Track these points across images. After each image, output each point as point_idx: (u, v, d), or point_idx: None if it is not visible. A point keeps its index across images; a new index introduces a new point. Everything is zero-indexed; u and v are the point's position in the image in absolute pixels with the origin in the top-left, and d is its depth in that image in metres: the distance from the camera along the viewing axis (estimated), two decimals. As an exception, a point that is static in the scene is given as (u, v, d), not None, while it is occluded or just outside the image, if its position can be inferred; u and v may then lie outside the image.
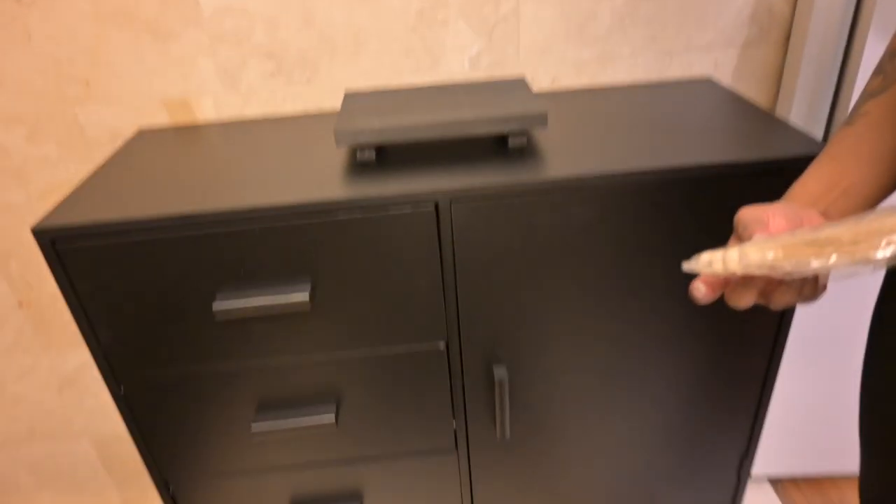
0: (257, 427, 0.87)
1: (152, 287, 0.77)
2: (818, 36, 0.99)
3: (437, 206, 0.76)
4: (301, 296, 0.77)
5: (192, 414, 0.88)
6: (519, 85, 0.90)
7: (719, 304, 0.86)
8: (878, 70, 0.54)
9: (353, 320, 0.82)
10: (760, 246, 0.44)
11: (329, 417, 0.88)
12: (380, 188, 0.75)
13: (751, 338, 0.90)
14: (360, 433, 0.92)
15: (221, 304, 0.77)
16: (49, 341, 1.23)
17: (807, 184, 0.54)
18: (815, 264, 0.41)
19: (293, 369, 0.86)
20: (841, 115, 1.03)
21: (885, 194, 0.53)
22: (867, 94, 0.54)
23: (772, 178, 0.77)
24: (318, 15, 0.98)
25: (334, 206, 0.74)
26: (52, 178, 1.08)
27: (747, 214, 0.48)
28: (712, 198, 0.78)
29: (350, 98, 0.89)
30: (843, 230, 0.41)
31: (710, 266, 0.46)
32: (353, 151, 0.87)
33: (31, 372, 1.27)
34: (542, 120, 0.80)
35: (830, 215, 0.52)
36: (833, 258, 0.40)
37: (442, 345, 0.86)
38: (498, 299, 0.83)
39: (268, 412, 0.89)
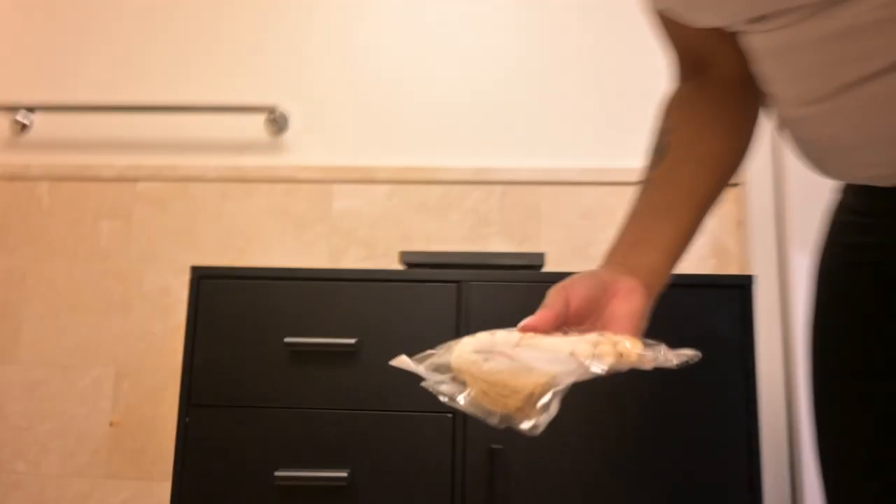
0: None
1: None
2: (761, 268, 1.34)
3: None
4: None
5: (237, 452, 1.07)
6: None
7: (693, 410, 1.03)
8: (654, 149, 0.63)
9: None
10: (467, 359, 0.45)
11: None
12: (421, 273, 1.10)
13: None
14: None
15: (292, 339, 1.06)
16: (123, 465, 1.44)
17: (618, 241, 0.59)
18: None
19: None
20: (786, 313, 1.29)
21: (682, 243, 0.61)
22: (648, 169, 0.62)
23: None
24: (404, 221, 1.47)
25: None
26: (182, 316, 1.47)
27: (553, 290, 0.51)
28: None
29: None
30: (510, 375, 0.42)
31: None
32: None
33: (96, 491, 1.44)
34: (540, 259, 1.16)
35: (639, 269, 0.57)
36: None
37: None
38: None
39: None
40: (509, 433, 1.02)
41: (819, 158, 0.60)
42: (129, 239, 1.52)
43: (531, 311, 1.11)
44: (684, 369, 1.01)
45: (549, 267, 1.40)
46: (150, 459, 1.43)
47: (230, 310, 1.10)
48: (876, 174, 0.55)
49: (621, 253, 0.61)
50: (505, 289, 1.08)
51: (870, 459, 0.60)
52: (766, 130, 1.42)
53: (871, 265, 0.60)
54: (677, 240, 0.61)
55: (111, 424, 1.45)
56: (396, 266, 1.45)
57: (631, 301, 0.56)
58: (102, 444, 1.45)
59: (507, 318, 1.04)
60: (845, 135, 0.53)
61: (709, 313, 1.06)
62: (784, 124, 0.62)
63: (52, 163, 1.56)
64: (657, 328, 1.04)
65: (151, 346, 1.47)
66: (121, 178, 1.54)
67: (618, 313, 0.55)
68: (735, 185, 1.44)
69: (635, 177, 1.42)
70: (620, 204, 1.45)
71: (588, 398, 1.04)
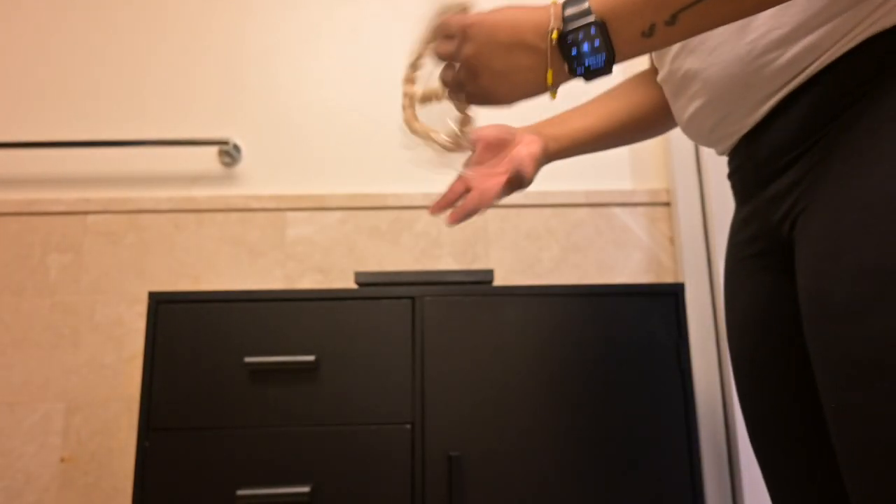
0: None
1: (209, 345, 1.11)
2: (691, 278, 1.44)
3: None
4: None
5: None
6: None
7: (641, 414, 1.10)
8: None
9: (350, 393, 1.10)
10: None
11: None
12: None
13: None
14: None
15: (252, 359, 1.09)
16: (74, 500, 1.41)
17: (543, 120, 0.86)
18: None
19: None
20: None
21: (586, 136, 0.85)
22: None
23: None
24: (357, 246, 1.51)
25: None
26: (137, 346, 1.47)
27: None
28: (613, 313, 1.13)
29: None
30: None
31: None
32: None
33: (45, 533, 1.40)
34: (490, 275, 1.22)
35: (543, 133, 0.82)
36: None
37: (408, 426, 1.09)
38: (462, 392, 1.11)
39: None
40: (465, 441, 1.07)
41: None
42: (79, 272, 1.51)
43: (482, 324, 1.20)
44: (626, 375, 1.09)
45: (497, 283, 1.47)
46: (103, 494, 1.41)
47: (188, 333, 1.12)
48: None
49: (538, 124, 0.86)
50: (457, 303, 1.14)
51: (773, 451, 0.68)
52: (692, 158, 1.54)
53: (748, 259, 0.69)
54: (582, 130, 0.85)
55: (62, 460, 1.42)
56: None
57: (530, 146, 0.81)
58: (52, 482, 1.42)
59: (459, 331, 1.10)
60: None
61: (646, 320, 1.14)
62: None
63: (-1, 198, 1.55)
64: (601, 333, 1.12)
65: (103, 379, 1.46)
66: (70, 212, 1.54)
67: (519, 152, 0.80)
68: (667, 204, 1.55)
69: (573, 199, 1.52)
70: (561, 225, 1.55)
71: (539, 405, 1.10)
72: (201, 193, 1.57)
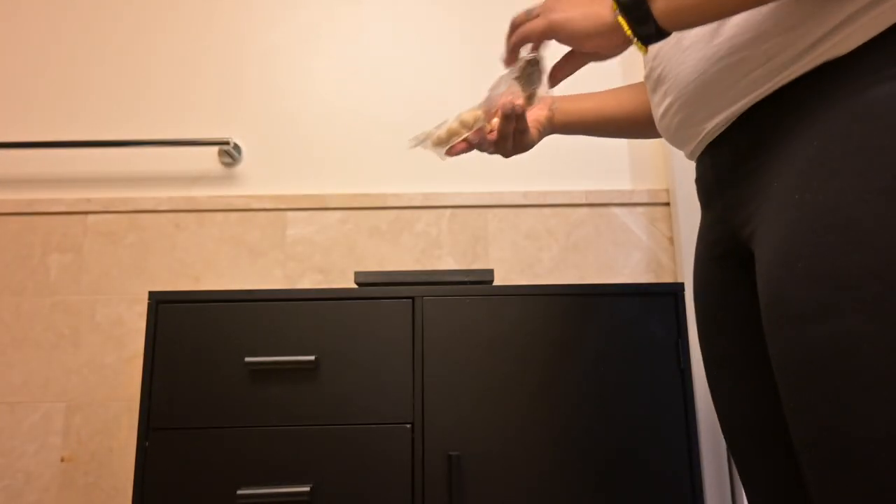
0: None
1: (209, 345, 1.11)
2: (691, 278, 1.44)
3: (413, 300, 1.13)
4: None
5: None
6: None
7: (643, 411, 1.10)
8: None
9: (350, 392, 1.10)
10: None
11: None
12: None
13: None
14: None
15: (252, 359, 1.09)
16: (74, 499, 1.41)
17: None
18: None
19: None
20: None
21: (594, 117, 0.92)
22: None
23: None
24: (357, 246, 1.51)
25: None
26: (137, 346, 1.47)
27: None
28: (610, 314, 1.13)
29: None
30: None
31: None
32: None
33: (45, 532, 1.40)
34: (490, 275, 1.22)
35: (553, 106, 0.89)
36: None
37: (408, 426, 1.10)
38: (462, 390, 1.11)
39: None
40: (465, 441, 1.07)
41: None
42: (79, 272, 1.52)
43: (482, 324, 1.20)
44: (626, 375, 1.09)
45: (497, 283, 1.47)
46: (104, 493, 1.41)
47: (189, 333, 1.13)
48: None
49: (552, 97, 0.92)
50: (457, 303, 1.14)
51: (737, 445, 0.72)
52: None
53: (714, 261, 0.73)
54: (590, 110, 0.92)
55: (62, 460, 1.43)
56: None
57: (538, 111, 0.90)
58: (53, 481, 1.42)
59: (459, 331, 1.10)
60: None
61: (646, 319, 1.14)
62: None
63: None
64: (601, 333, 1.12)
65: (104, 378, 1.46)
66: (70, 212, 1.55)
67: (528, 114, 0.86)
68: (666, 204, 1.55)
69: (573, 199, 1.52)
70: (561, 225, 1.55)
71: (539, 404, 1.10)
72: (201, 193, 1.57)
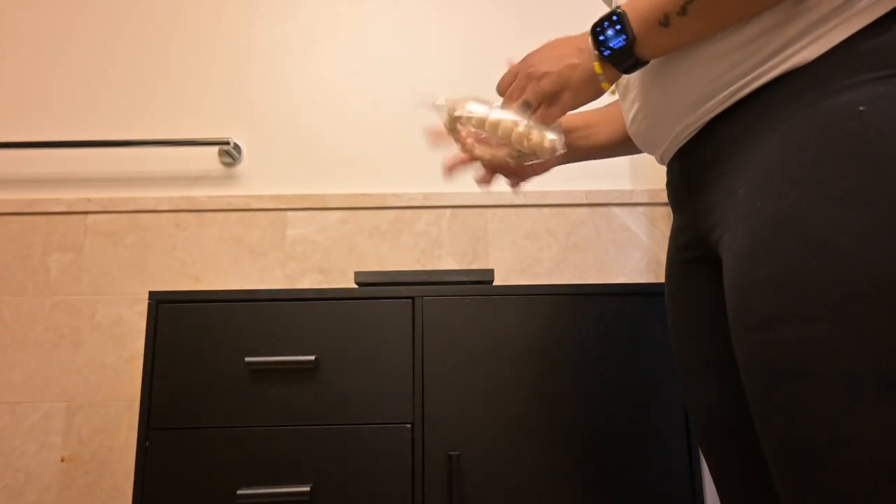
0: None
1: (209, 345, 1.11)
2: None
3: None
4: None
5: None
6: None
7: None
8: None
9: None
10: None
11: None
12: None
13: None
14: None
15: (252, 359, 1.09)
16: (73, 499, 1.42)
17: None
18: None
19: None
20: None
21: (604, 150, 0.93)
22: None
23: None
24: (357, 246, 1.52)
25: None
26: (137, 346, 1.47)
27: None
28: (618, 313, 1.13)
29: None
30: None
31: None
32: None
33: (46, 532, 1.40)
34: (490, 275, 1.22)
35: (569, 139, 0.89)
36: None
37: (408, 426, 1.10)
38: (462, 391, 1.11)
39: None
40: (465, 440, 1.08)
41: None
42: (80, 272, 1.52)
43: (482, 324, 1.20)
44: (626, 375, 1.09)
45: (497, 283, 1.47)
46: (104, 493, 1.41)
47: (189, 333, 1.13)
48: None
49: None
50: (457, 303, 1.14)
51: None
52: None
53: (685, 264, 0.75)
54: (600, 146, 0.93)
55: (62, 460, 1.43)
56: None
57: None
58: (53, 481, 1.42)
59: (459, 331, 1.10)
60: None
61: (646, 319, 1.14)
62: None
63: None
64: (601, 333, 1.12)
65: (104, 378, 1.46)
66: (70, 212, 1.55)
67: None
68: (666, 204, 1.55)
69: (573, 199, 1.52)
70: (561, 225, 1.55)
71: (539, 404, 1.11)
72: (202, 193, 1.57)
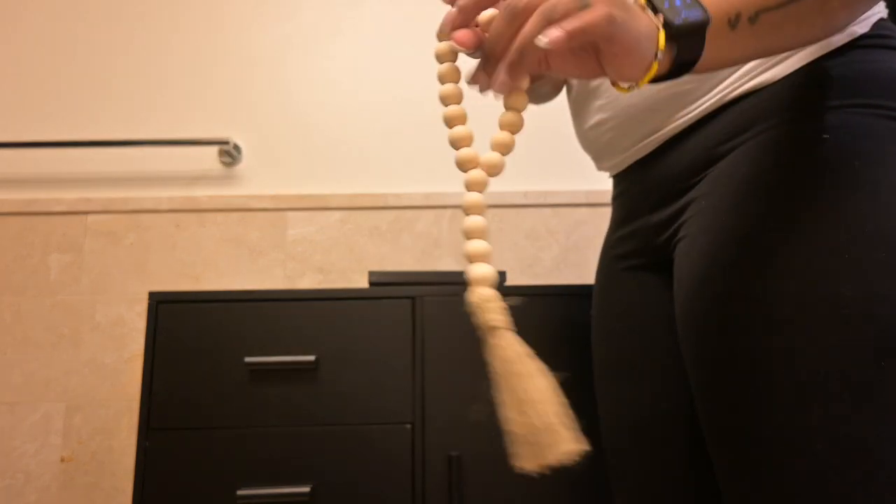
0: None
1: (209, 345, 1.11)
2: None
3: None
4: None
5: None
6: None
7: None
8: None
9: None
10: None
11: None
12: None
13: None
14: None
15: (252, 359, 1.09)
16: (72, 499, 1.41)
17: None
18: None
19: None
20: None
21: None
22: None
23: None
24: (357, 246, 1.51)
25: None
26: (137, 346, 1.47)
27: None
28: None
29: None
30: None
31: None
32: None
33: (45, 532, 1.40)
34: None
35: None
36: None
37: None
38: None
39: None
40: (465, 441, 1.07)
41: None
42: (80, 272, 1.52)
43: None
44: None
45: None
46: (104, 493, 1.41)
47: (189, 333, 1.12)
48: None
49: None
50: (457, 303, 1.14)
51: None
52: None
53: (627, 271, 0.77)
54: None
55: (62, 460, 1.43)
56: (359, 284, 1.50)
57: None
58: (53, 481, 1.42)
59: (459, 331, 1.10)
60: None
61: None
62: None
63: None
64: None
65: (104, 379, 1.46)
66: (70, 212, 1.55)
67: None
68: (666, 204, 1.55)
69: (574, 199, 1.52)
70: (561, 225, 1.55)
71: (538, 403, 1.10)
72: (202, 193, 1.57)
